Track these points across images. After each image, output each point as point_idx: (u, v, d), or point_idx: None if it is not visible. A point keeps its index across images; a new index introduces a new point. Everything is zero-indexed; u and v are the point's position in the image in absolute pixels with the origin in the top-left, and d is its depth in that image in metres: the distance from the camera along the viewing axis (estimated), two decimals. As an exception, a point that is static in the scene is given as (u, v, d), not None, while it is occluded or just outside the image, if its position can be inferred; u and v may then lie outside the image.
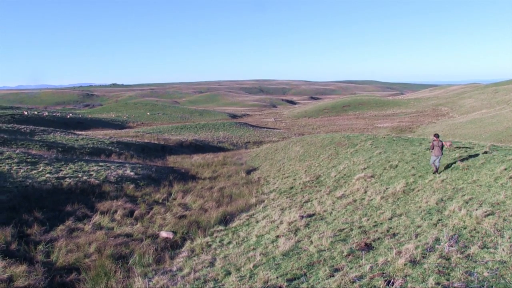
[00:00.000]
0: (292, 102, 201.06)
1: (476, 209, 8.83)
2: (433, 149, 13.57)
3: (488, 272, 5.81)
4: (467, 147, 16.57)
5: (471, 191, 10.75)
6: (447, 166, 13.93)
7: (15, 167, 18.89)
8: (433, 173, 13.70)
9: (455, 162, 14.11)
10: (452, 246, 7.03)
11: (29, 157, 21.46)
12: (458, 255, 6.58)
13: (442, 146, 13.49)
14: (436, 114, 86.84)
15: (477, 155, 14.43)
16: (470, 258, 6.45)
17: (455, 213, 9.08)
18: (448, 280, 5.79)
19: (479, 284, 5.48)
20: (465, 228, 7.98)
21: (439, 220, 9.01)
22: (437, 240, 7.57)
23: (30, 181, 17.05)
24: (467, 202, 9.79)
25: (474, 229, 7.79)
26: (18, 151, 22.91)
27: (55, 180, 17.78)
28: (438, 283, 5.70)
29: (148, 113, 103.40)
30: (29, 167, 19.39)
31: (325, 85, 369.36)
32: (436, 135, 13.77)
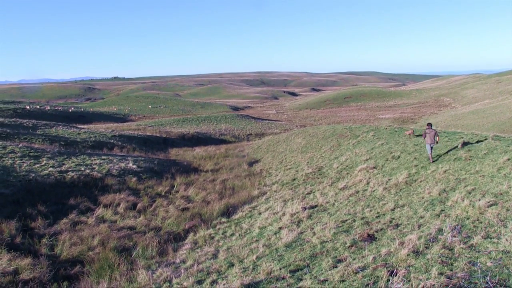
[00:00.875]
0: (293, 94, 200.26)
1: (479, 200, 8.81)
2: (425, 137, 14.04)
3: (491, 262, 5.81)
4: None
5: (474, 182, 10.72)
6: (442, 155, 13.92)
7: (18, 161, 18.95)
8: (432, 162, 13.97)
9: (448, 151, 14.14)
10: (455, 236, 7.03)
11: (32, 151, 21.51)
12: (461, 246, 6.57)
13: (435, 134, 13.85)
14: (438, 104, 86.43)
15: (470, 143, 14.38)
16: (473, 248, 6.45)
17: (458, 204, 9.06)
18: (451, 270, 5.79)
19: (483, 274, 5.48)
20: (468, 219, 7.96)
21: (442, 210, 9.00)
22: (440, 230, 7.57)
23: (33, 175, 17.11)
24: (470, 193, 9.77)
25: (477, 220, 7.78)
26: (21, 145, 22.96)
27: (58, 174, 17.84)
28: (441, 273, 5.70)
29: (150, 106, 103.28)
30: (32, 161, 19.45)
31: (327, 77, 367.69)
32: (429, 124, 14.26)
